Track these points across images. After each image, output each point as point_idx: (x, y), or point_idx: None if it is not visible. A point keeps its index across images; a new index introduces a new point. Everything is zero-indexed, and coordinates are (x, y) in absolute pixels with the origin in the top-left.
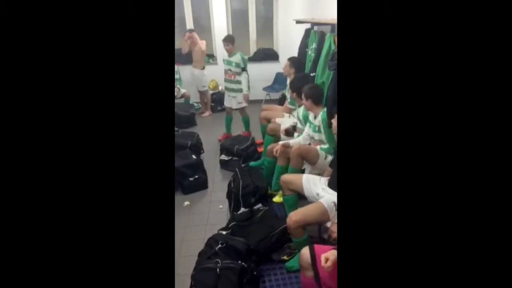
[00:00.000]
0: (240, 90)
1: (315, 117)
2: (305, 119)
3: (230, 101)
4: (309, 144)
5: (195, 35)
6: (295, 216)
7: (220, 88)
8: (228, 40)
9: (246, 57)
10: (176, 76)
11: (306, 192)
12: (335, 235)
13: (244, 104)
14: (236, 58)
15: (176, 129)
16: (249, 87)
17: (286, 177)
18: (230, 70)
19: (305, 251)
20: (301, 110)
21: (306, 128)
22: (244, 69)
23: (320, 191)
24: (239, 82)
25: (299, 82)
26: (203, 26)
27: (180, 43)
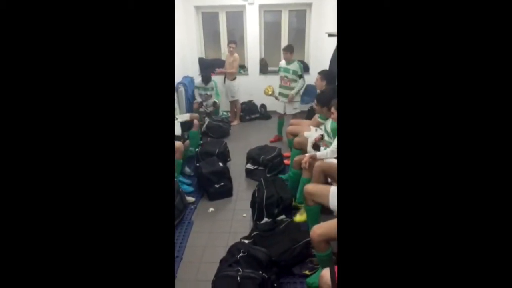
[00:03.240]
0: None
1: None
2: (334, 132)
3: (283, 107)
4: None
5: (234, 46)
6: (319, 230)
7: (276, 94)
8: (288, 49)
9: (302, 65)
10: (213, 91)
11: (332, 206)
12: None
13: (298, 110)
14: (294, 65)
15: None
16: (300, 93)
17: (311, 188)
18: (286, 77)
19: (325, 273)
20: (329, 123)
21: (334, 141)
22: (301, 76)
23: None
24: (293, 89)
25: (326, 95)
26: (237, 38)
27: (213, 54)
